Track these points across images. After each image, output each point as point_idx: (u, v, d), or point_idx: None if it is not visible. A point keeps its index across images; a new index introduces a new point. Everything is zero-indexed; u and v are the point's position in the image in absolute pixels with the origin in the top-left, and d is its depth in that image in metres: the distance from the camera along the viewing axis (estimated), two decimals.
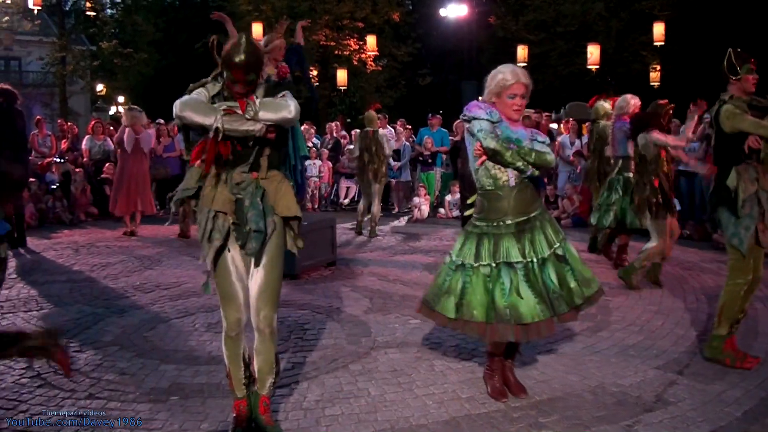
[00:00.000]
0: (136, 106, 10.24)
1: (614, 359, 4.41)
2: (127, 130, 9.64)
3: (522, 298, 3.41)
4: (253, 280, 3.20)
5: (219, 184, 3.11)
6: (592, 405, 3.70)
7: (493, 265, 3.48)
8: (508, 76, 3.53)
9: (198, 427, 3.43)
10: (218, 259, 3.16)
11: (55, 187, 11.77)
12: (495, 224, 3.56)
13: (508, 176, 3.55)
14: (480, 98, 3.72)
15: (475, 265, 3.52)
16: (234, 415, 3.34)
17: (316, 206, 13.46)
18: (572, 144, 11.78)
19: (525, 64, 19.63)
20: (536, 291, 3.43)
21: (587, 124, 8.97)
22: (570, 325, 5.17)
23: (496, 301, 3.44)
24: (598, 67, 18.01)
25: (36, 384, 4.06)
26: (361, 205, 10.19)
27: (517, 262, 3.47)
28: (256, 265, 3.18)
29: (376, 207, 9.89)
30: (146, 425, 3.46)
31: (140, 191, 9.77)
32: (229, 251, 3.17)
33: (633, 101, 7.05)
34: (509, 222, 3.54)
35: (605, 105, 8.20)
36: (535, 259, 3.49)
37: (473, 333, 3.59)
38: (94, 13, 25.07)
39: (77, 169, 12.20)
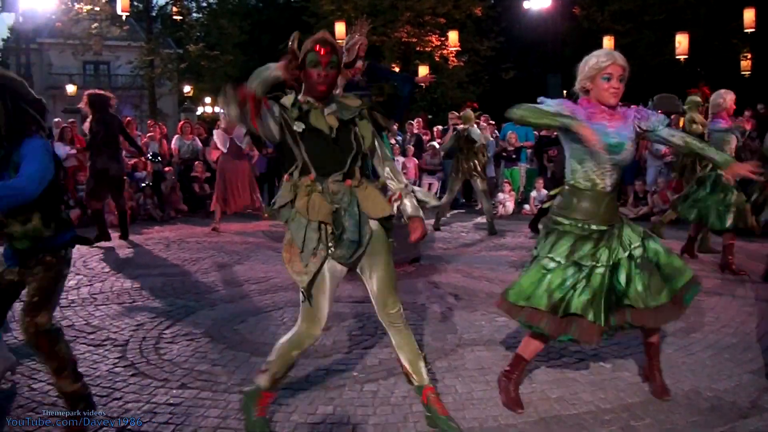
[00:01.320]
0: None
1: (708, 362, 4.24)
2: (216, 132, 9.98)
3: (581, 295, 3.28)
4: (374, 282, 3.20)
5: (314, 194, 3.04)
6: (686, 410, 3.56)
7: (569, 262, 3.35)
8: (603, 57, 3.36)
9: (288, 419, 3.48)
10: (317, 272, 3.08)
11: (145, 185, 12.22)
12: (579, 225, 3.41)
13: (605, 183, 3.40)
14: (574, 88, 3.53)
15: (565, 263, 3.37)
16: (259, 409, 3.33)
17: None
18: None
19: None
20: (596, 295, 3.28)
21: (674, 116, 8.71)
22: (662, 327, 5.01)
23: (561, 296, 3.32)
24: (686, 56, 17.35)
25: (129, 373, 4.21)
26: (444, 201, 10.15)
27: (586, 266, 3.33)
28: (371, 268, 3.19)
29: (485, 204, 9.86)
30: (237, 415, 3.52)
31: (250, 188, 10.10)
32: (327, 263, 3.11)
33: (728, 97, 6.69)
34: (594, 228, 3.40)
35: (696, 99, 8.06)
36: (605, 264, 3.33)
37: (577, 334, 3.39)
38: (180, 18, 25.81)
39: (167, 168, 12.62)
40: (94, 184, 8.99)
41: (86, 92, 9.21)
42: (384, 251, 3.21)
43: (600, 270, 3.32)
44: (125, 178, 10.01)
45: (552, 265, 3.38)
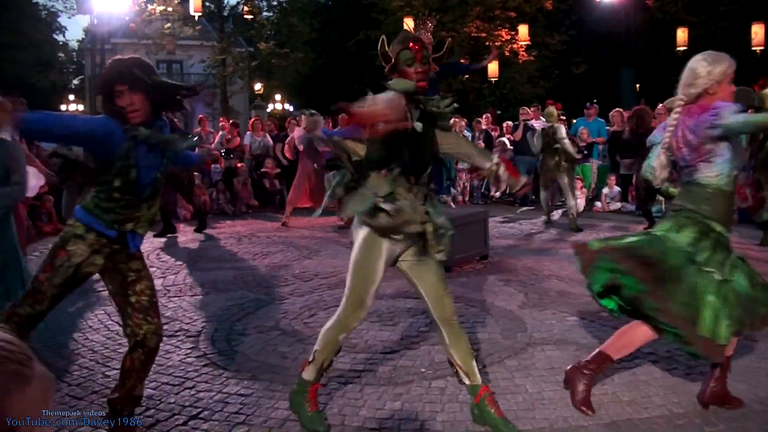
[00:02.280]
0: (315, 111, 10.68)
1: None
2: (297, 129, 10.21)
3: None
4: (427, 282, 3.27)
5: (407, 196, 3.11)
6: (761, 417, 3.43)
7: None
8: (729, 63, 3.39)
9: (357, 413, 3.52)
10: (377, 266, 3.20)
11: (218, 180, 12.50)
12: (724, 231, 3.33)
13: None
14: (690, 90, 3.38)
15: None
16: (312, 403, 3.38)
17: (467, 199, 13.42)
18: None
19: (685, 48, 18.57)
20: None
21: (750, 110, 8.41)
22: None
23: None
24: (762, 48, 16.68)
25: (202, 363, 4.33)
26: (542, 197, 10.52)
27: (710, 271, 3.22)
28: (423, 268, 3.27)
29: (570, 200, 9.81)
30: None
31: (318, 185, 10.19)
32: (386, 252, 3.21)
33: None
34: (718, 229, 3.31)
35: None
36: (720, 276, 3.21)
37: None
38: (251, 17, 26.25)
39: (239, 164, 12.88)
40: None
41: None
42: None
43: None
44: (196, 173, 10.28)
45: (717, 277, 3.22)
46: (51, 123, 2.93)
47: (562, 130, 9.73)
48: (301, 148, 10.34)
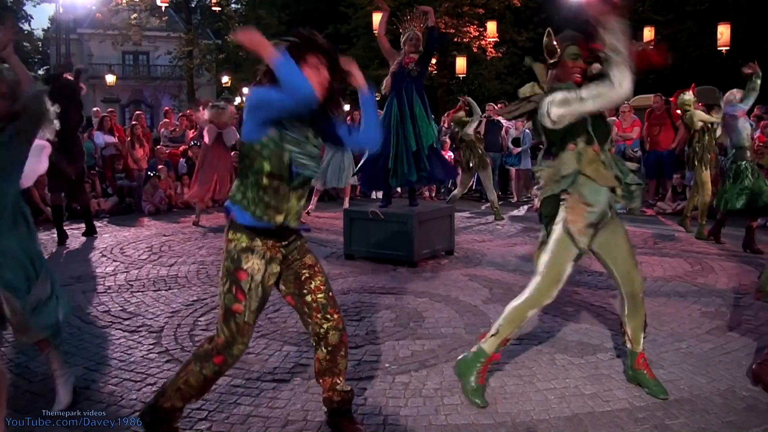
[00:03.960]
0: (219, 102, 10.21)
1: (745, 362, 4.13)
2: (208, 125, 9.66)
3: None
4: (619, 251, 3.55)
5: (599, 162, 3.38)
6: (721, 409, 3.49)
7: None
8: None
9: (320, 409, 3.47)
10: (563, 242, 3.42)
11: (183, 174, 12.35)
12: None
13: None
14: None
15: None
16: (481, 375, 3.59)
17: (434, 195, 13.44)
18: None
19: (652, 47, 18.79)
20: None
21: (713, 110, 8.69)
22: (699, 323, 4.94)
23: None
24: (728, 48, 16.95)
25: (164, 359, 4.26)
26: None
27: None
28: (615, 234, 3.54)
29: (491, 195, 10.42)
30: (270, 404, 3.55)
31: (221, 183, 9.73)
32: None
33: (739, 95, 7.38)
34: None
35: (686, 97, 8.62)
36: None
37: None
38: (219, 8, 26.03)
39: None
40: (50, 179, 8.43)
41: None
42: (618, 222, 3.59)
43: None
44: (161, 167, 10.00)
45: None
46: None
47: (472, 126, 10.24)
48: (207, 140, 9.66)
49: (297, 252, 3.02)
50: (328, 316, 3.01)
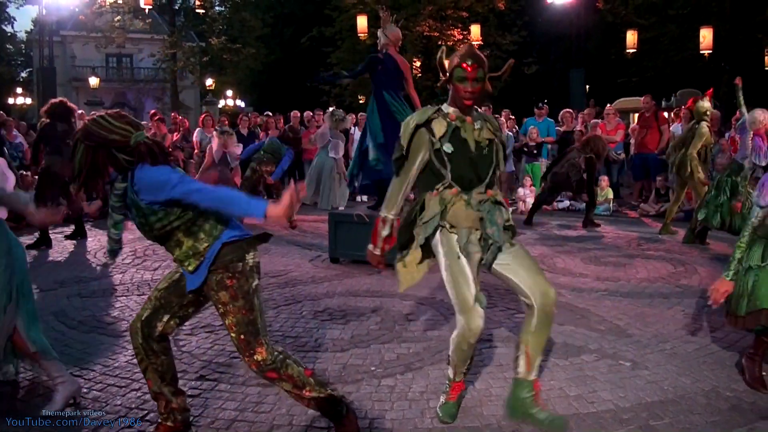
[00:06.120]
0: (228, 129, 10.50)
1: (728, 362, 4.19)
2: (215, 141, 9.98)
3: None
4: (522, 272, 3.18)
5: (459, 203, 3.17)
6: (705, 409, 3.53)
7: None
8: None
9: (305, 412, 3.48)
10: (456, 269, 3.15)
11: None
12: None
13: None
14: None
15: (762, 264, 3.72)
16: (451, 397, 3.44)
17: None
18: None
19: (634, 51, 18.92)
20: None
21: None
22: (682, 324, 4.98)
23: None
24: (711, 51, 17.10)
25: None
26: None
27: None
28: (511, 262, 3.20)
29: None
30: (255, 408, 3.54)
31: None
32: (462, 260, 3.18)
33: (763, 116, 6.76)
34: None
35: (705, 104, 8.34)
36: None
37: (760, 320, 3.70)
38: (203, 11, 25.91)
39: (192, 161, 12.70)
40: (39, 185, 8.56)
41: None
42: (519, 248, 3.28)
43: None
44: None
45: None
46: None
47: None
48: (217, 159, 9.85)
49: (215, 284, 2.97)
50: (244, 359, 3.03)
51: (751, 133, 6.79)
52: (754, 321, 3.72)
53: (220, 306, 2.99)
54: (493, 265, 3.21)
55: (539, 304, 3.12)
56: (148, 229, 2.93)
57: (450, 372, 3.43)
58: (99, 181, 2.90)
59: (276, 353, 3.03)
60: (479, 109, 3.34)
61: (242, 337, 2.97)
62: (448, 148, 3.14)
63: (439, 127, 3.18)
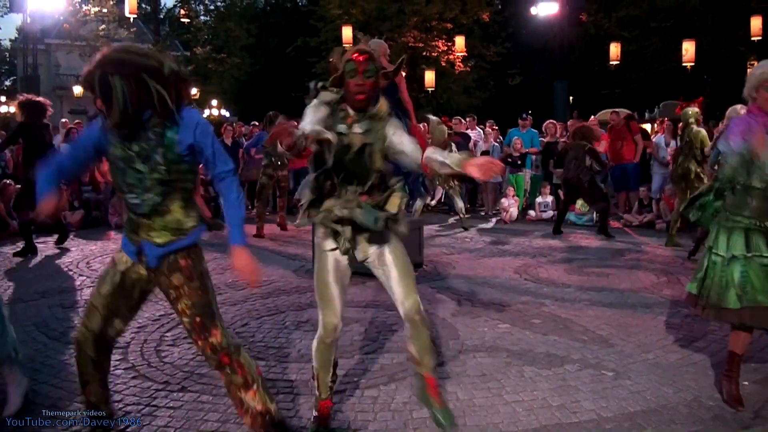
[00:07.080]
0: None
1: (710, 371, 4.21)
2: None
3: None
4: (389, 277, 3.19)
5: (331, 198, 3.13)
6: (687, 419, 3.54)
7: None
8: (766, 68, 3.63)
9: (289, 423, 3.47)
10: (319, 265, 3.17)
11: None
12: (753, 222, 3.65)
13: None
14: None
15: (749, 255, 3.60)
16: (315, 415, 3.39)
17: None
18: (667, 145, 11.38)
19: (617, 63, 19.09)
20: None
21: (681, 124, 8.83)
22: (665, 334, 5.00)
23: None
24: (693, 64, 17.28)
25: (130, 375, 4.21)
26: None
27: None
28: (384, 264, 3.21)
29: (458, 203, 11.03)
30: (237, 420, 3.50)
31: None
32: (326, 255, 3.18)
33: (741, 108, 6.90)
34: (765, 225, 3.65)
35: (692, 109, 8.49)
36: None
37: (760, 320, 3.61)
38: (188, 20, 25.89)
39: None
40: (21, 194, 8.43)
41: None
42: (396, 246, 3.27)
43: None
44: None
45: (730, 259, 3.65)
46: None
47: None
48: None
49: (166, 268, 2.87)
50: (198, 342, 2.90)
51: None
52: (751, 318, 3.61)
53: (171, 291, 2.87)
54: (373, 271, 3.25)
55: (403, 315, 3.17)
56: (156, 178, 2.74)
57: (315, 387, 3.38)
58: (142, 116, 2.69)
59: (231, 339, 2.95)
60: (389, 113, 3.19)
61: (198, 319, 2.85)
62: (333, 137, 2.96)
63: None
